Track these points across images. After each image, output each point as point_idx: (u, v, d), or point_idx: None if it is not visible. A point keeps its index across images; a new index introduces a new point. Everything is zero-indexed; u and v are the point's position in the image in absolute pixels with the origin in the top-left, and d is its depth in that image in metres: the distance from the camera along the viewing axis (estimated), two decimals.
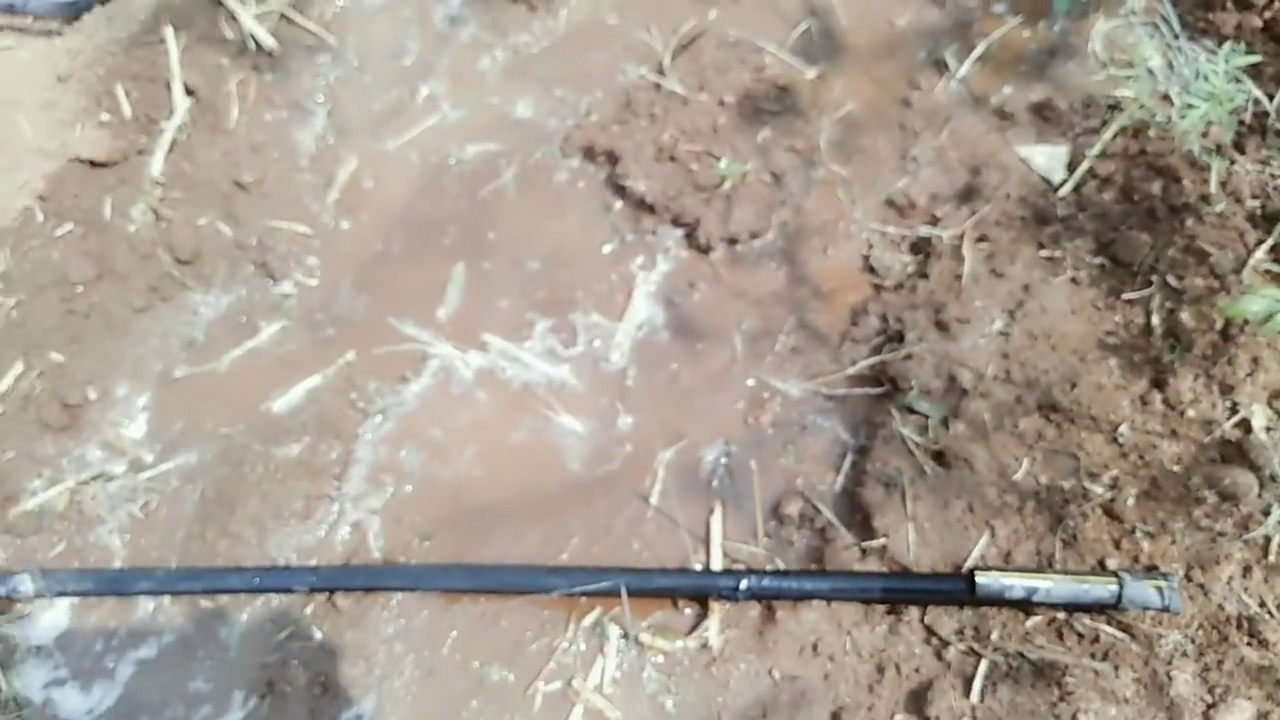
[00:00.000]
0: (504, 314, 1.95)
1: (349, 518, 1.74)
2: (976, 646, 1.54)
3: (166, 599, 1.67)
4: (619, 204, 2.06)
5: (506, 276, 2.00)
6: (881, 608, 1.60)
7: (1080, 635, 1.53)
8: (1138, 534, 1.59)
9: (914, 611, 1.59)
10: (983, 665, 1.52)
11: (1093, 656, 1.50)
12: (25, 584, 1.63)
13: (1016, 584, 1.48)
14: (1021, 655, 1.52)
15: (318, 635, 1.62)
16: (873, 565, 1.64)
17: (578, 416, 1.84)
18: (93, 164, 2.09)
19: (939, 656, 1.56)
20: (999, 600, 1.52)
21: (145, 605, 1.67)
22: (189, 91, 2.16)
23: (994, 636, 1.54)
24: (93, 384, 1.86)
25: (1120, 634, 1.51)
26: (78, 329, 1.91)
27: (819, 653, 1.57)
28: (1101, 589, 1.47)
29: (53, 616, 1.66)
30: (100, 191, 2.04)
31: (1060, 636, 1.54)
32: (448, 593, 1.64)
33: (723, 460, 1.78)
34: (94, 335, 1.92)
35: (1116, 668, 1.48)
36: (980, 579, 1.49)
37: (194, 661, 1.62)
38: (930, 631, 1.58)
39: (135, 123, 2.15)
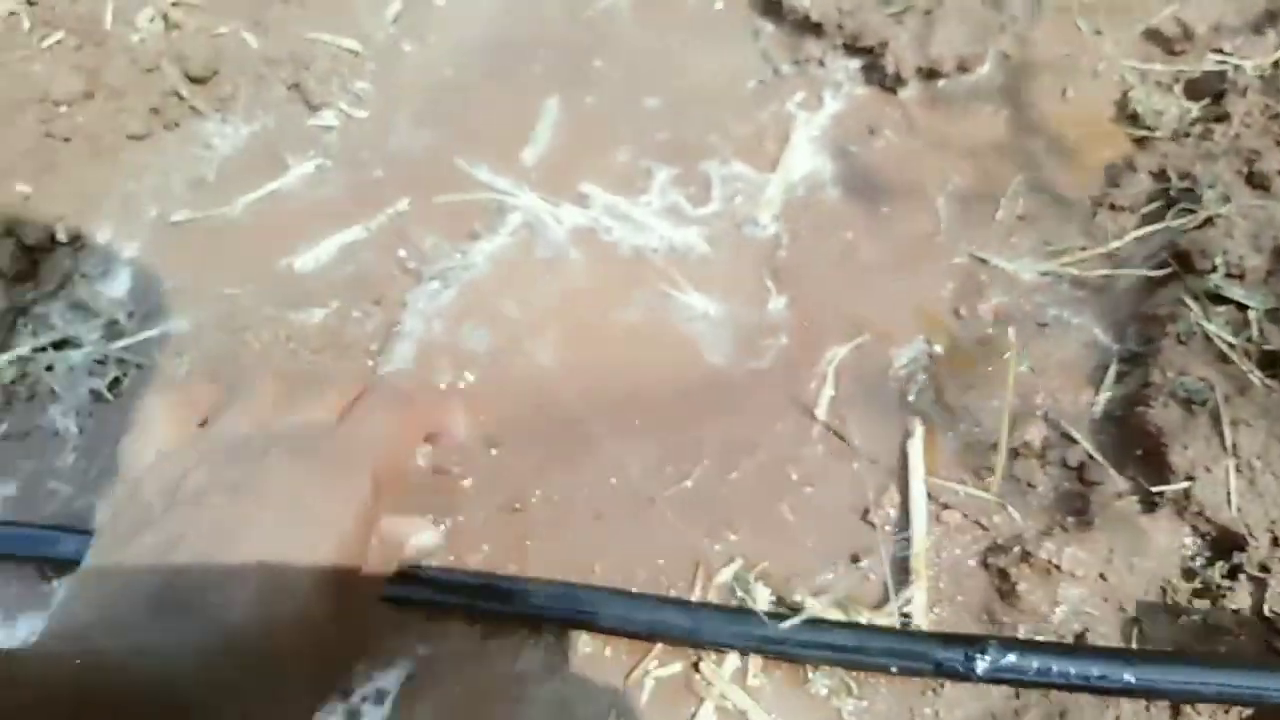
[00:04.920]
0: (610, 161, 1.42)
1: None
2: None
3: None
4: (771, 27, 1.52)
5: (615, 114, 1.47)
6: None
7: None
8: None
9: None
10: None
11: None
12: None
13: None
14: None
15: None
16: (1167, 521, 1.06)
17: (710, 294, 1.29)
18: None
19: None
20: None
21: None
22: None
23: None
24: (64, 223, 1.39)
25: None
26: (53, 156, 1.45)
27: None
28: None
29: None
30: None
31: None
32: None
33: (923, 364, 1.23)
34: (74, 164, 1.45)
35: None
36: None
37: None
38: None
39: None
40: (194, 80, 1.49)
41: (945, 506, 1.12)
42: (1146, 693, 0.92)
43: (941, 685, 1.00)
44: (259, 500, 0.61)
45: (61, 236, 1.38)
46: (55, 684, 0.46)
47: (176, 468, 0.66)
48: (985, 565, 1.07)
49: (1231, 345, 1.12)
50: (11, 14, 1.58)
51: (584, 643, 1.08)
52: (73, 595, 0.60)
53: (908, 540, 1.08)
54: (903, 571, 1.06)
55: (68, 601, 0.60)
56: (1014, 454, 1.14)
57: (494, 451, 1.19)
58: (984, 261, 1.29)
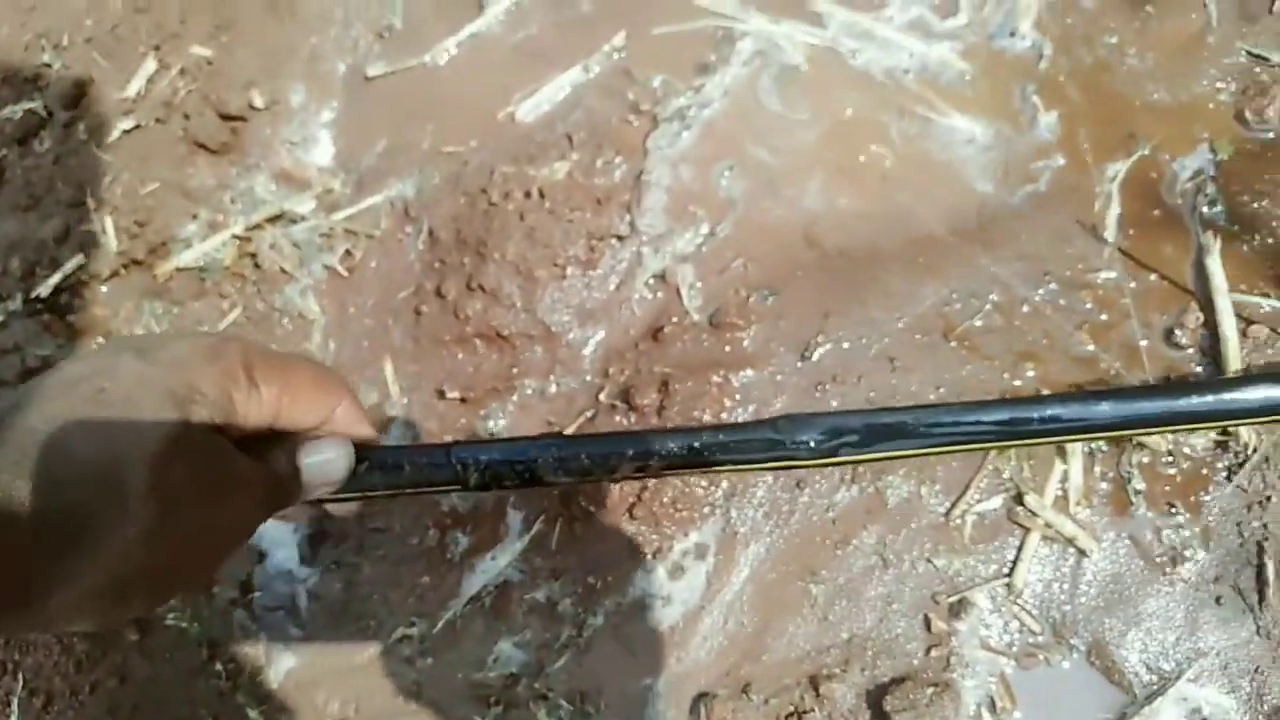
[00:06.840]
0: None
1: (649, 266, 1.18)
2: None
3: None
4: None
5: None
6: None
7: None
8: None
9: None
10: None
11: None
12: None
13: None
14: None
15: None
16: None
17: (973, 116, 1.22)
18: None
19: None
20: None
21: None
22: None
23: None
24: (257, 87, 1.29)
25: None
26: (226, 11, 1.33)
27: None
28: None
29: None
30: None
31: None
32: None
33: (1210, 174, 1.16)
34: (250, 19, 1.34)
35: None
36: None
37: None
38: None
39: None
40: None
41: (1250, 321, 1.09)
42: None
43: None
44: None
45: (259, 102, 1.28)
46: None
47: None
48: None
49: None
50: None
51: (895, 487, 1.07)
52: None
53: (1216, 358, 1.06)
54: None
55: None
56: None
57: (770, 299, 1.14)
58: (1263, 59, 1.20)
